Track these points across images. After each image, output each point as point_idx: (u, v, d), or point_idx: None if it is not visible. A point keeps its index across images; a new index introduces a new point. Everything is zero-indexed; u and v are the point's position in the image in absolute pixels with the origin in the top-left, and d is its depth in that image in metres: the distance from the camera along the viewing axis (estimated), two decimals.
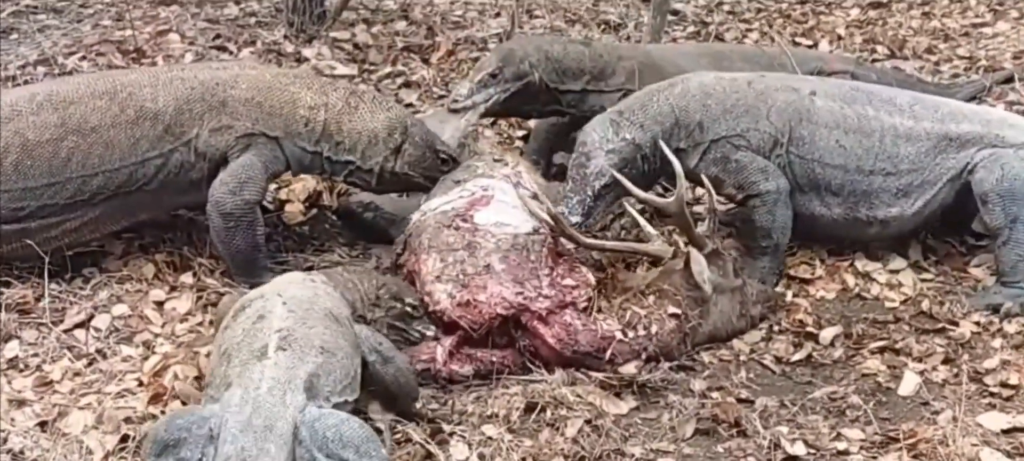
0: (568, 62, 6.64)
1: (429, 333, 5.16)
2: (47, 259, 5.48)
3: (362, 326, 4.80)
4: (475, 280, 5.11)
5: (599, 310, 5.17)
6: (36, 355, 5.17)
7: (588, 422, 4.84)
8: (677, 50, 7.63)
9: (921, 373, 5.25)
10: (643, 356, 5.13)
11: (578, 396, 4.96)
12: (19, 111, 5.58)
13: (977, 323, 5.59)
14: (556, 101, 6.67)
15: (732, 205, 6.18)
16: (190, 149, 5.68)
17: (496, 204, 5.50)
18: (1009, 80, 7.79)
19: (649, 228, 5.61)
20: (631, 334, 5.13)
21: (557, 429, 4.80)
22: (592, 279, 5.26)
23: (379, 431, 4.53)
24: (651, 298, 5.24)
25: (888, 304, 5.78)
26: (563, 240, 5.38)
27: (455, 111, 6.39)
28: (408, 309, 5.16)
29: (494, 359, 5.13)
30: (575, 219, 5.60)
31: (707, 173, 5.81)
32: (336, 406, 4.24)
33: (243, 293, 5.42)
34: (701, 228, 5.36)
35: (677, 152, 5.71)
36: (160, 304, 5.60)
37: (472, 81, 6.47)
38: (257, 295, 4.62)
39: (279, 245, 6.09)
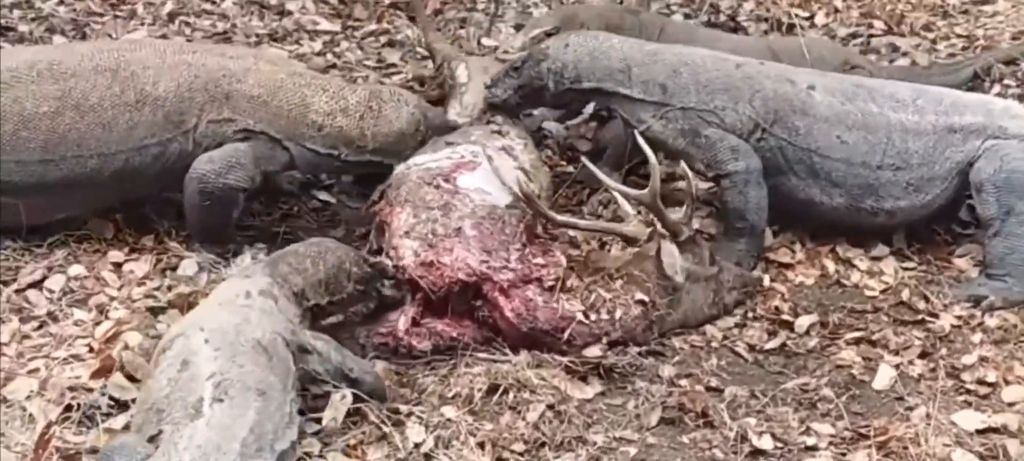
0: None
1: (390, 293, 5.01)
2: None
3: (328, 347, 4.54)
4: (443, 242, 4.99)
5: (568, 290, 5.02)
6: None
7: (551, 407, 4.71)
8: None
9: (897, 367, 5.12)
10: (604, 340, 5.00)
11: (542, 379, 4.84)
12: (18, 78, 5.36)
13: (958, 316, 5.46)
14: None
15: (712, 185, 6.02)
16: (189, 139, 5.47)
17: (482, 171, 5.39)
18: (1013, 61, 7.61)
19: (627, 207, 5.46)
20: (593, 317, 4.99)
21: (519, 413, 4.68)
22: (563, 261, 5.11)
23: None
24: (619, 282, 5.10)
25: (867, 292, 5.65)
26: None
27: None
28: (375, 272, 4.99)
29: (454, 334, 4.99)
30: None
31: (673, 143, 5.84)
32: (281, 456, 3.95)
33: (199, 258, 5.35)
34: (678, 215, 5.20)
35: (625, 98, 5.88)
36: (118, 266, 5.43)
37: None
38: (177, 332, 4.25)
39: (247, 208, 5.87)
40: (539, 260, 5.06)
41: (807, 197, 5.87)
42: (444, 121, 5.93)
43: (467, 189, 5.23)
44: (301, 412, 4.36)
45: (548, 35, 6.57)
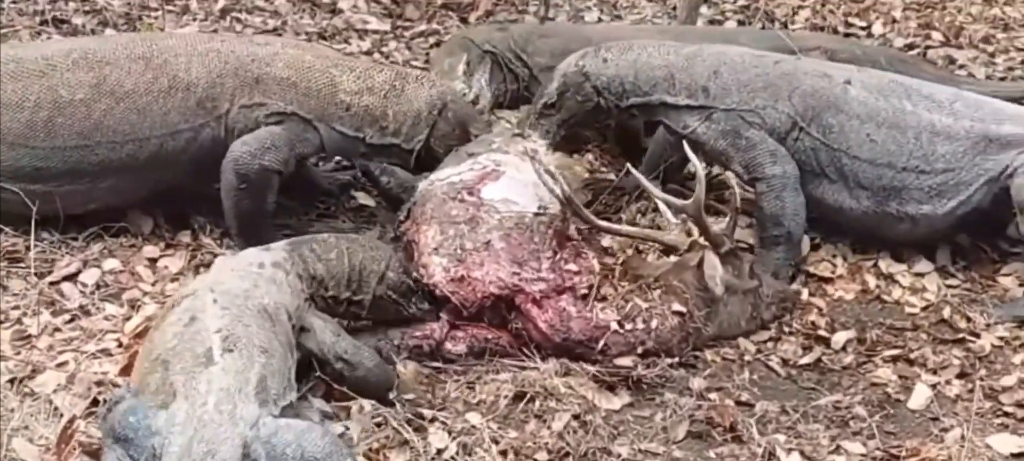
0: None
1: (424, 307, 4.99)
2: (34, 208, 5.34)
3: (326, 327, 4.59)
4: (472, 256, 4.96)
5: (602, 299, 4.98)
6: (17, 308, 5.05)
7: (577, 417, 4.67)
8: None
9: (933, 386, 5.03)
10: (639, 350, 4.95)
11: (570, 388, 4.80)
12: (54, 66, 5.45)
13: (1000, 337, 5.34)
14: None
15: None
16: (221, 125, 5.52)
17: (506, 180, 5.33)
18: None
19: (669, 215, 5.41)
20: (628, 326, 4.95)
21: (544, 421, 4.65)
22: (596, 266, 5.08)
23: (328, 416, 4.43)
24: (657, 292, 5.05)
25: (908, 309, 5.54)
26: (574, 222, 5.24)
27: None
28: (412, 284, 4.97)
29: (488, 337, 4.96)
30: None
31: (715, 145, 5.76)
32: (282, 412, 4.00)
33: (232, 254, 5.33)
34: (721, 226, 5.13)
35: (674, 108, 5.80)
36: (153, 261, 5.47)
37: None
38: (188, 292, 4.35)
39: (283, 206, 5.88)
40: (571, 266, 5.03)
41: (837, 202, 5.76)
42: (469, 111, 5.92)
43: (493, 200, 5.18)
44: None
45: (467, 65, 6.65)
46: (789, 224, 5.66)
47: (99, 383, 4.58)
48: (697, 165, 5.13)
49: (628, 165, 5.75)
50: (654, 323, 5.00)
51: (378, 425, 4.50)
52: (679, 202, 5.22)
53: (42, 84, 5.40)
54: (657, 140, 6.31)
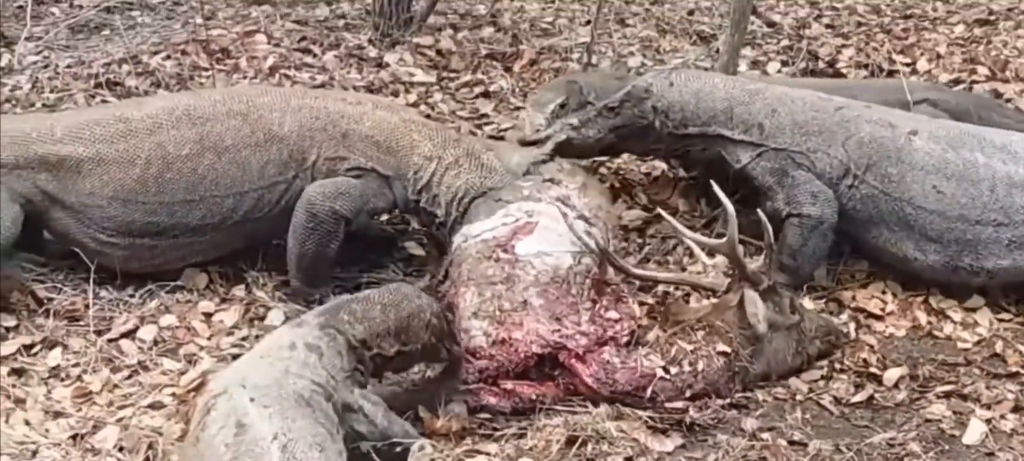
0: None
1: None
2: (93, 267, 5.48)
3: (377, 410, 4.49)
4: (511, 317, 4.97)
5: (643, 344, 5.00)
6: (77, 365, 5.16)
7: (629, 460, 4.67)
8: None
9: (988, 421, 5.00)
10: (687, 394, 4.96)
11: (622, 431, 4.80)
12: (159, 124, 5.63)
13: None
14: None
15: None
16: (309, 176, 5.69)
17: (540, 232, 5.34)
18: None
19: (705, 258, 5.43)
20: (674, 370, 4.96)
21: None
22: (637, 312, 5.11)
23: None
24: (700, 333, 5.07)
25: (960, 345, 5.52)
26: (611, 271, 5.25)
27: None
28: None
29: (533, 395, 4.96)
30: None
31: (762, 181, 5.82)
32: None
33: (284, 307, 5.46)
34: (756, 264, 5.15)
35: (730, 142, 5.88)
36: (208, 316, 5.57)
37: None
38: (219, 390, 4.15)
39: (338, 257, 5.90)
40: (612, 314, 5.06)
41: (901, 253, 5.73)
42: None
43: (528, 255, 5.20)
44: None
45: (562, 107, 6.61)
46: (802, 262, 5.73)
47: (157, 433, 4.66)
48: (728, 205, 5.14)
49: (660, 210, 5.80)
50: (700, 365, 5.01)
51: None
52: (712, 242, 5.27)
53: (151, 141, 5.58)
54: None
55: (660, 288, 5.67)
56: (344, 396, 4.38)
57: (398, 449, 4.48)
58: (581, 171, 6.09)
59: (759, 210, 5.35)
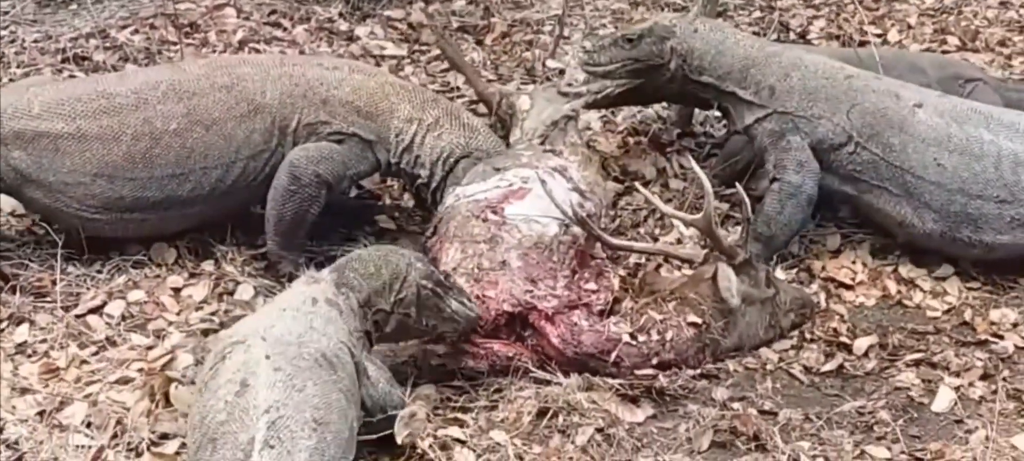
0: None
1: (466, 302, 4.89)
2: (60, 243, 5.45)
3: (380, 374, 4.45)
4: (488, 276, 4.99)
5: (616, 313, 5.00)
6: (44, 341, 5.13)
7: (600, 430, 4.68)
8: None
9: (957, 389, 5.02)
10: (653, 361, 4.96)
11: (593, 402, 4.80)
12: (145, 99, 5.61)
13: (1023, 337, 5.32)
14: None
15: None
16: (290, 143, 5.71)
17: (532, 198, 5.35)
18: None
19: (682, 228, 5.43)
20: (642, 338, 4.95)
21: (568, 436, 4.66)
22: (616, 285, 5.09)
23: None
24: (672, 304, 5.07)
25: (929, 313, 5.54)
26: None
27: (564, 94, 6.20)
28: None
29: (510, 354, 4.98)
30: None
31: (760, 142, 5.83)
32: None
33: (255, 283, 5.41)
34: (734, 237, 5.15)
35: (739, 101, 5.86)
36: (177, 291, 5.54)
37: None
38: (239, 338, 4.14)
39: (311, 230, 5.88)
40: (590, 285, 5.07)
41: (899, 215, 5.74)
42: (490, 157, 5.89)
43: (515, 219, 5.21)
44: None
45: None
46: (776, 229, 5.74)
47: (119, 421, 4.62)
48: (705, 181, 5.13)
49: (636, 185, 5.81)
50: (669, 334, 5.01)
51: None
52: (690, 217, 5.26)
53: (137, 116, 5.56)
54: (732, 141, 6.44)
55: (633, 260, 5.65)
56: (359, 358, 4.37)
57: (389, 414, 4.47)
58: (586, 148, 6.11)
59: (737, 182, 5.37)
